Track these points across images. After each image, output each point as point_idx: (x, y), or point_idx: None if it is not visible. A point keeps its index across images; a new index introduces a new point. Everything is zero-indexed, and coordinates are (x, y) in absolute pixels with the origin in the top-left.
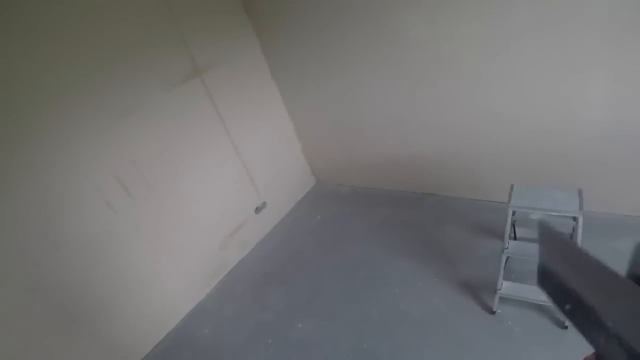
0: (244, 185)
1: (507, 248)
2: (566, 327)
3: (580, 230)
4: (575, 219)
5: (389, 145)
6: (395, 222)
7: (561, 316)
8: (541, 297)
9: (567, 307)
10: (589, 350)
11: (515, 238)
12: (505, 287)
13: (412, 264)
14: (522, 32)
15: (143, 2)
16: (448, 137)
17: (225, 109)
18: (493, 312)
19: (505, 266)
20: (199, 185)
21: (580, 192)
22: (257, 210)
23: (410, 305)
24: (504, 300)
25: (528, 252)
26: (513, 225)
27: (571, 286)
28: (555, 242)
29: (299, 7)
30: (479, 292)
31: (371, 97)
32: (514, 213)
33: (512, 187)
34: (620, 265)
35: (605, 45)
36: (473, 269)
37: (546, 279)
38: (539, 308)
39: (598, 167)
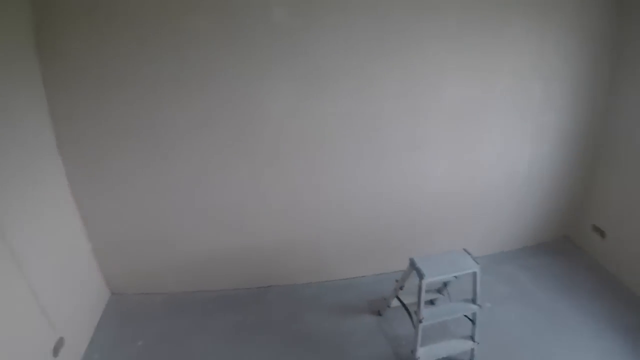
0: (30, 317)
1: (422, 318)
2: None
3: (478, 279)
4: (474, 273)
5: (216, 238)
6: (245, 329)
7: None
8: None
9: None
10: None
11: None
12: (422, 353)
13: None
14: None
15: None
16: (288, 221)
17: None
18: None
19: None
20: None
21: (466, 250)
22: (55, 352)
23: None
24: None
25: (440, 314)
26: (397, 296)
27: None
28: None
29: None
30: None
31: (199, 179)
32: (421, 283)
33: (412, 260)
34: None
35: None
36: (367, 349)
37: None
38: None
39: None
